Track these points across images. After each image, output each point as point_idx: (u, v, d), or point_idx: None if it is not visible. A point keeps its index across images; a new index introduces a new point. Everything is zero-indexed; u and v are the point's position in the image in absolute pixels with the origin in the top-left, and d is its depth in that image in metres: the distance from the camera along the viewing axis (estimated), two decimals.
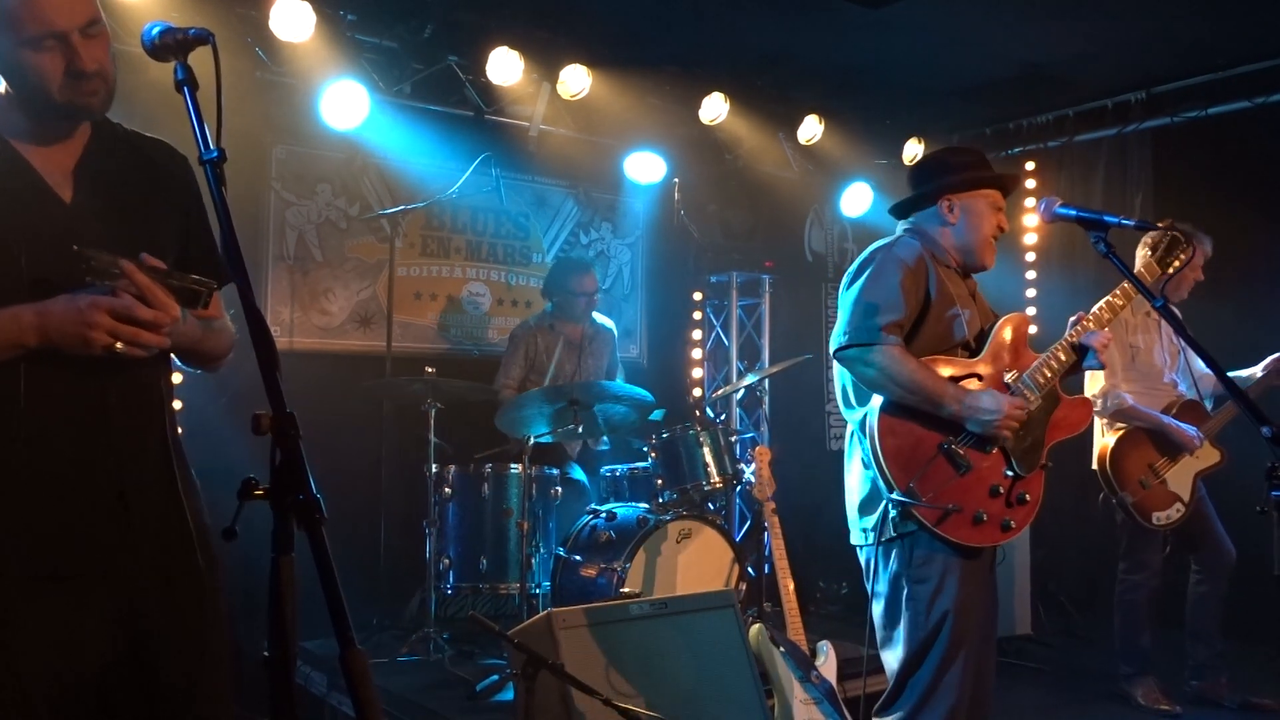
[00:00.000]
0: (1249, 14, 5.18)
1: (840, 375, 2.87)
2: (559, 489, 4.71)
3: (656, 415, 4.95)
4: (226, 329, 2.02)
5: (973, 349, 2.82)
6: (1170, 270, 2.99)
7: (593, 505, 4.69)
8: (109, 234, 1.81)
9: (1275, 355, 4.58)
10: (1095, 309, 2.89)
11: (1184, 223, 4.22)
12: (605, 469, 4.95)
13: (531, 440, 4.35)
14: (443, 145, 5.56)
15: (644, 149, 5.96)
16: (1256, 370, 4.58)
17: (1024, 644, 5.57)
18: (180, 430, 1.98)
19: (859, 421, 2.74)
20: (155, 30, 1.70)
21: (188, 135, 1.66)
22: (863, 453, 2.76)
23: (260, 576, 1.34)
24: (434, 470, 4.61)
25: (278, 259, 5.44)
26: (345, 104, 4.96)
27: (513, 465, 4.68)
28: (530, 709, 2.68)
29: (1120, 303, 2.90)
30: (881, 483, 2.63)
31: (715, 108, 5.88)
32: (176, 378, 2.27)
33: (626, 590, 3.99)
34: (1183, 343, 4.56)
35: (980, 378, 2.73)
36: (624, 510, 4.53)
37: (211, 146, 1.60)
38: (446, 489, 4.66)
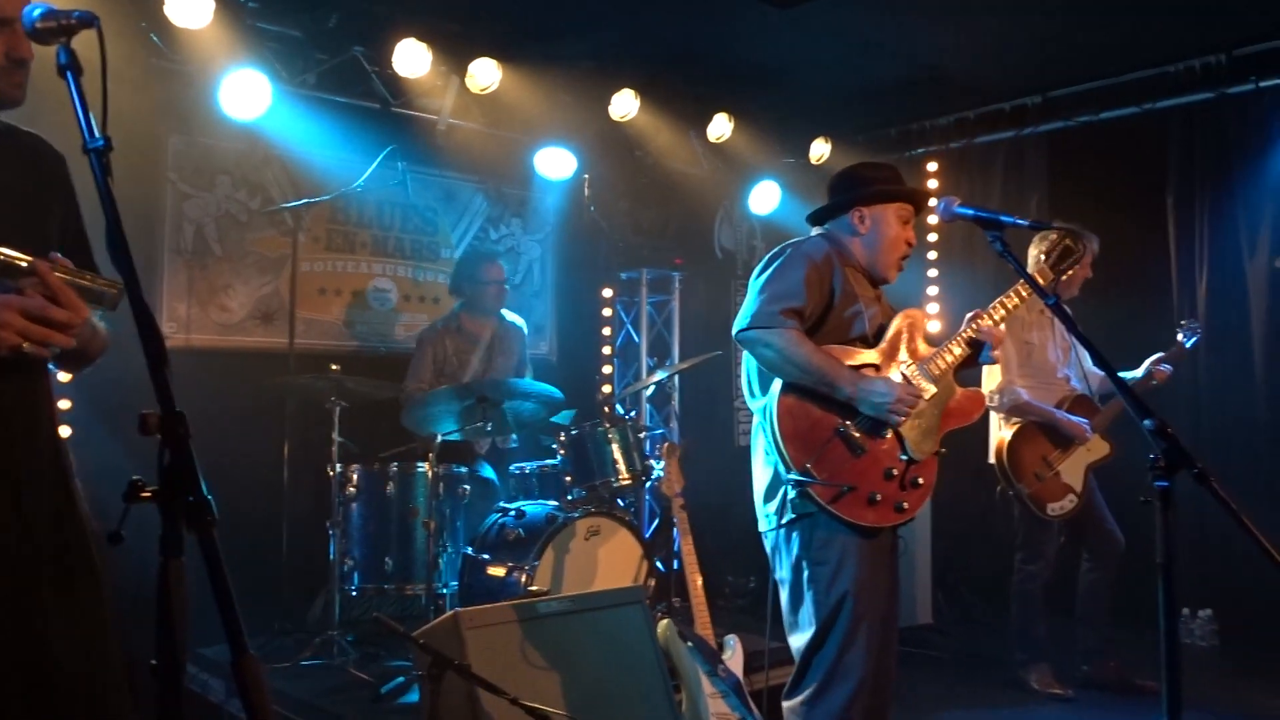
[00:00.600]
0: (1139, 22, 5.40)
1: (746, 365, 2.94)
2: (467, 487, 4.66)
3: (564, 417, 4.93)
4: (101, 330, 1.96)
5: (871, 344, 2.91)
6: (1063, 277, 3.12)
7: (501, 503, 4.65)
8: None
9: (1155, 356, 4.80)
10: (990, 307, 2.98)
11: (1074, 223, 4.39)
12: (514, 467, 4.92)
13: (439, 438, 4.30)
14: (348, 137, 5.45)
15: (554, 144, 5.93)
16: (1137, 372, 4.79)
17: (925, 633, 5.72)
18: (65, 430, 1.91)
19: (762, 409, 2.81)
20: (37, 12, 1.64)
21: (71, 123, 1.59)
22: (765, 439, 2.83)
23: (150, 582, 1.29)
24: (338, 470, 4.52)
25: (174, 253, 5.27)
26: (246, 94, 4.82)
27: (419, 464, 4.62)
28: (436, 710, 2.65)
29: (1013, 301, 3.00)
30: (781, 464, 2.72)
31: (625, 104, 5.88)
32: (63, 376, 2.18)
33: (535, 589, 3.97)
34: (1074, 339, 4.73)
35: (876, 367, 2.82)
36: (533, 508, 4.50)
37: (97, 134, 1.54)
38: (351, 488, 4.58)
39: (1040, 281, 3.02)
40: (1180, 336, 4.95)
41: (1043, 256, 3.56)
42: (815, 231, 3.07)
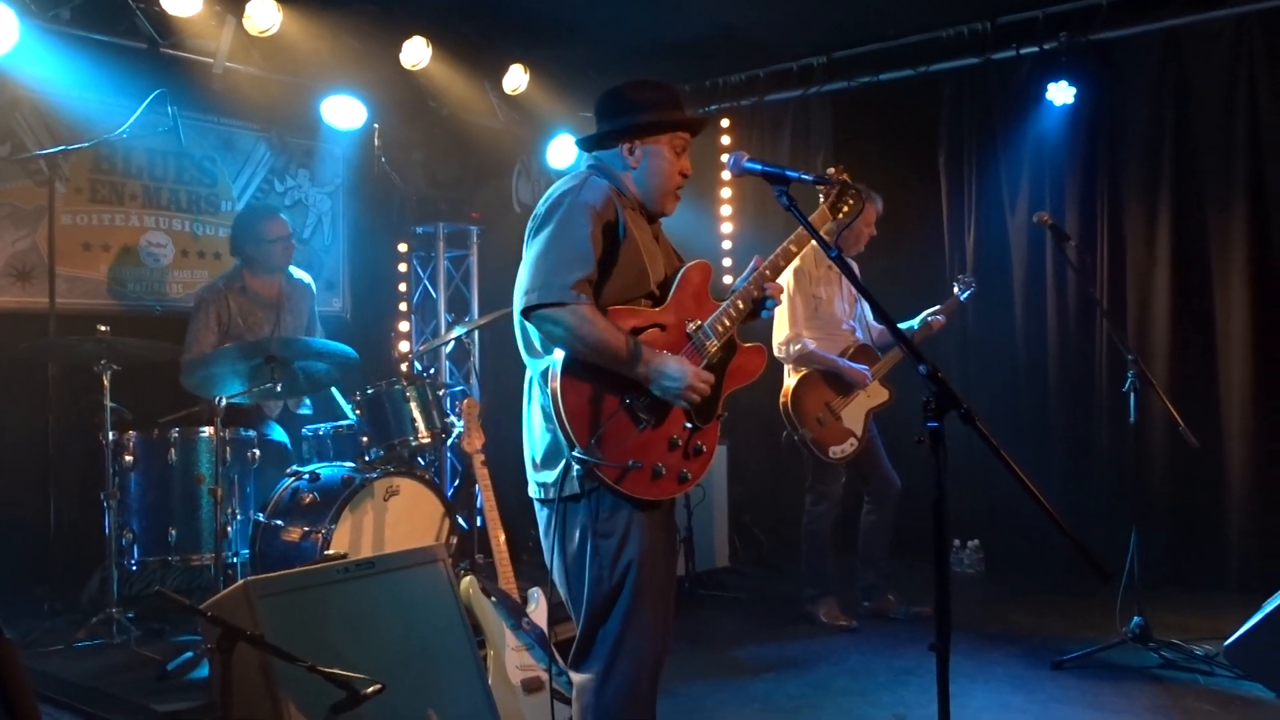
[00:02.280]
0: None
1: (520, 323, 2.72)
2: (256, 452, 4.47)
3: (346, 405, 4.76)
4: None
5: (657, 297, 2.78)
6: (841, 215, 3.01)
7: (294, 467, 4.50)
8: None
9: (930, 310, 5.11)
10: (771, 255, 2.91)
11: (857, 181, 4.59)
12: (307, 429, 4.76)
13: (223, 401, 4.08)
14: (111, 79, 5.02)
15: (342, 92, 5.68)
16: (914, 322, 5.10)
17: (722, 575, 5.95)
18: None
19: (541, 371, 2.65)
20: None
21: None
22: (543, 405, 2.67)
23: None
24: (111, 438, 4.23)
25: None
26: None
27: (203, 429, 4.38)
28: (227, 684, 2.54)
29: (794, 249, 2.91)
30: (563, 439, 2.57)
31: (417, 52, 5.70)
32: None
33: (333, 552, 3.84)
34: (857, 292, 4.98)
35: (663, 327, 2.70)
36: (328, 470, 4.39)
37: None
38: (127, 457, 4.30)
39: (825, 233, 3.07)
40: (956, 290, 5.28)
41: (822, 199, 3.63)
42: (587, 162, 2.87)
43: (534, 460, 2.75)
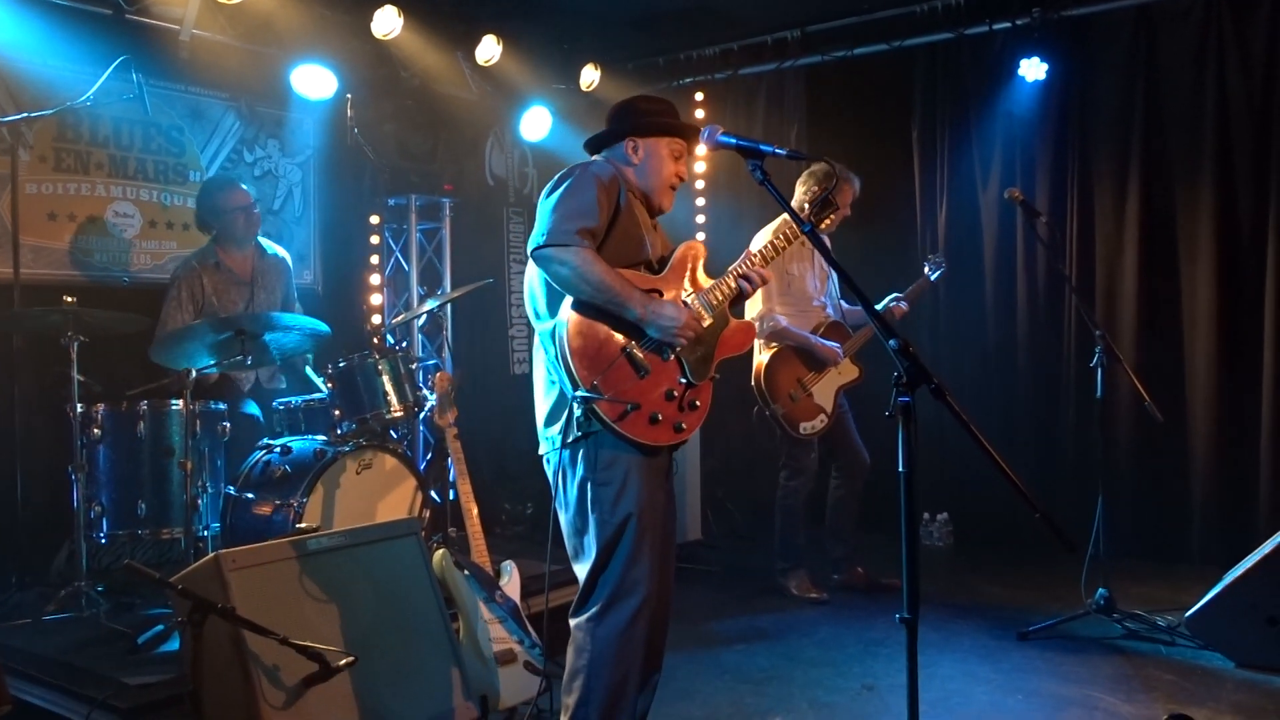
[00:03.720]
0: None
1: (530, 288, 2.95)
2: (226, 424, 4.43)
3: (318, 378, 4.72)
4: None
5: (655, 270, 3.00)
6: (823, 227, 3.30)
7: (266, 440, 4.48)
8: None
9: (894, 295, 5.14)
10: (761, 247, 3.11)
11: (830, 155, 4.60)
12: (278, 401, 4.72)
13: (193, 373, 4.05)
14: (75, 46, 4.92)
15: (312, 62, 5.60)
16: (879, 306, 5.12)
17: (696, 548, 5.99)
18: None
19: (549, 333, 2.83)
20: None
21: None
22: (548, 361, 2.86)
23: None
24: (80, 410, 4.18)
25: None
26: None
27: (173, 401, 4.34)
28: (199, 657, 2.53)
29: (783, 244, 3.14)
30: (567, 382, 2.76)
31: (388, 21, 5.62)
32: None
33: (305, 525, 3.84)
34: (830, 269, 5.01)
35: (661, 293, 2.91)
36: (300, 443, 4.36)
37: None
38: (96, 430, 4.25)
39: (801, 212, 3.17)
40: (926, 269, 5.31)
41: (803, 192, 3.70)
42: (595, 158, 3.10)
43: (543, 418, 2.95)
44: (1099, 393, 4.53)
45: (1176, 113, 5.70)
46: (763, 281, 3.07)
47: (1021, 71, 5.90)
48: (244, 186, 5.00)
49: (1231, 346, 5.57)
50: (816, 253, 4.06)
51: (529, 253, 2.83)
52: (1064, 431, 6.04)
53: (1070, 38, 5.93)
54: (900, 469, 2.09)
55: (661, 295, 2.90)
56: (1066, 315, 6.06)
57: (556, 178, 2.91)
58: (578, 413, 2.77)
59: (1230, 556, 4.43)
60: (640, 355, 2.82)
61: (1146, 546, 5.68)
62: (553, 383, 2.89)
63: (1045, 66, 5.85)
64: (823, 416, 5.02)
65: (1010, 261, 6.25)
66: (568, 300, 2.80)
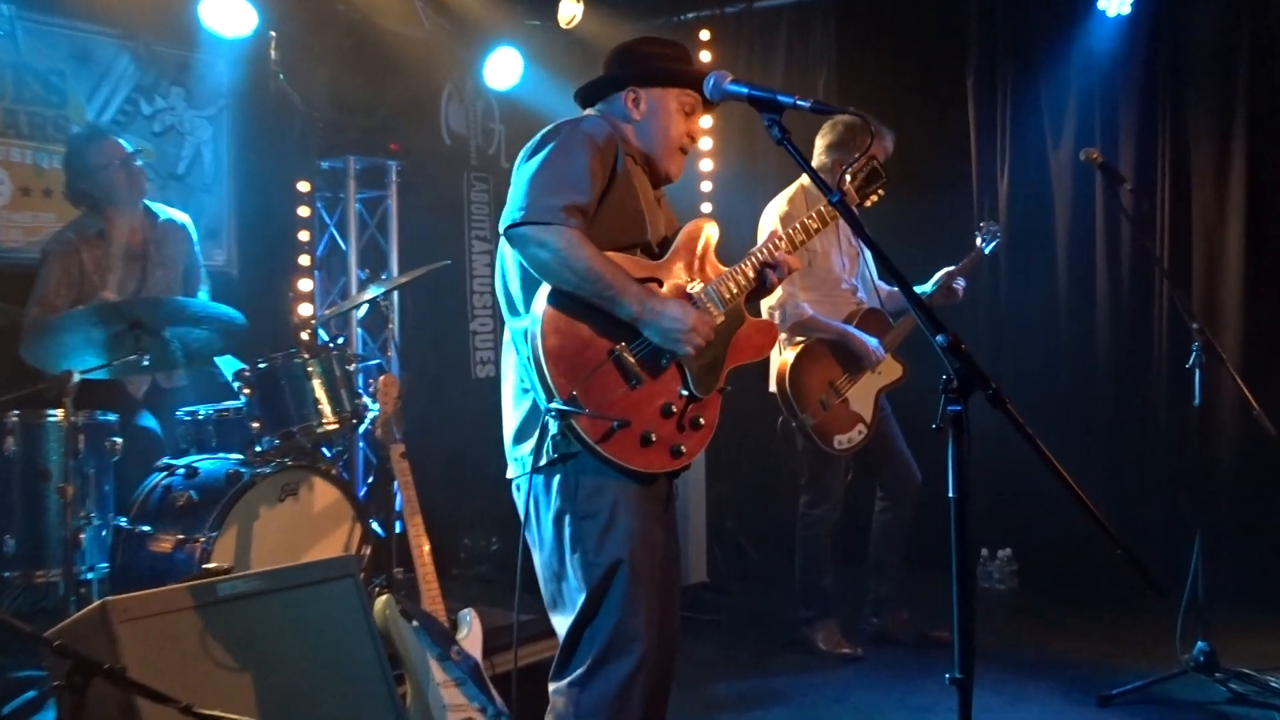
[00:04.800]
0: None
1: (503, 275, 2.94)
2: (117, 441, 4.42)
3: (228, 366, 4.71)
4: None
5: (655, 254, 2.98)
6: (868, 204, 3.30)
7: (166, 459, 4.47)
8: None
9: (946, 270, 5.14)
10: (788, 230, 3.09)
11: (866, 109, 4.59)
12: (182, 412, 4.70)
13: (76, 377, 4.03)
14: None
15: None
16: (926, 287, 5.13)
17: (701, 593, 5.99)
18: None
19: (521, 332, 2.81)
20: None
21: None
22: (520, 365, 2.84)
23: None
24: None
25: None
26: None
27: (49, 411, 4.31)
28: None
29: (816, 225, 3.12)
30: (541, 391, 2.72)
31: None
32: None
33: (214, 565, 3.82)
34: (861, 244, 5.00)
35: (661, 283, 2.88)
36: (209, 464, 4.36)
37: None
38: None
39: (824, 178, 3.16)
40: (979, 241, 5.32)
41: (825, 151, 3.65)
42: (588, 113, 3.08)
43: (511, 434, 2.93)
44: (1197, 400, 4.53)
45: None
46: (789, 271, 3.05)
47: (1100, 4, 5.91)
48: (116, 138, 4.95)
49: None
50: (843, 223, 4.04)
51: (502, 231, 2.80)
52: (1153, 448, 6.05)
53: None
54: (951, 494, 2.08)
55: (661, 285, 2.88)
56: (1157, 305, 6.07)
57: (539, 137, 2.88)
58: (553, 430, 2.74)
59: None
60: (632, 360, 2.77)
61: (1256, 592, 5.67)
62: (524, 391, 2.86)
63: None
64: (861, 426, 5.01)
65: (1088, 238, 6.26)
66: (544, 290, 2.77)
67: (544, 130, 2.90)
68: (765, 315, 4.88)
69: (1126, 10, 5.90)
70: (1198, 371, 4.50)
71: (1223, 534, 5.51)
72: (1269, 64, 5.77)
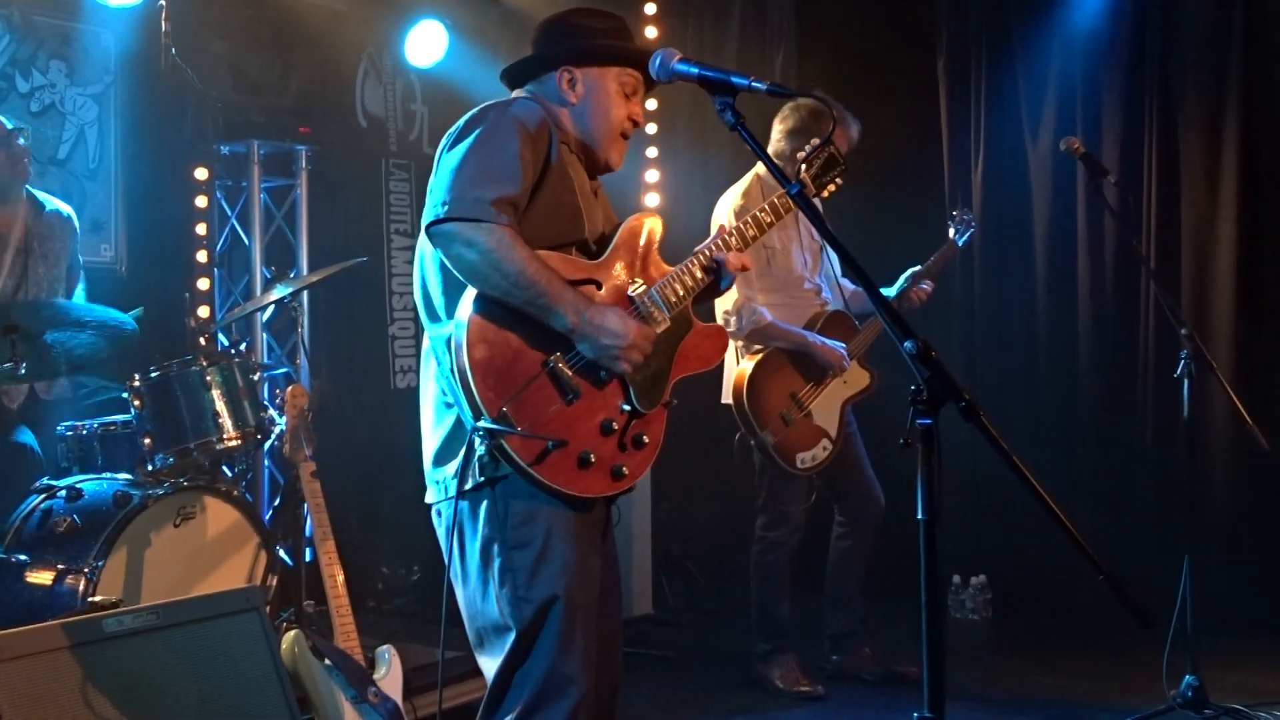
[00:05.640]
0: None
1: (422, 274, 2.92)
2: None
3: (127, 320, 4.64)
4: None
5: (593, 252, 2.97)
6: (825, 194, 3.35)
7: (45, 480, 4.42)
8: None
9: (913, 270, 5.19)
10: (738, 224, 3.11)
11: (829, 92, 4.64)
12: (63, 427, 4.65)
13: None
14: None
15: None
16: (891, 290, 5.17)
17: (645, 627, 6.00)
18: None
19: (444, 339, 2.78)
20: None
21: None
22: (442, 377, 2.82)
23: None
24: None
25: None
26: None
27: None
28: None
29: (769, 218, 3.14)
30: (467, 408, 2.70)
31: None
32: None
33: (101, 599, 3.78)
34: (823, 240, 5.04)
35: (599, 286, 2.88)
36: (94, 485, 4.32)
37: None
38: None
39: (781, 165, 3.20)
40: (952, 232, 5.37)
41: (783, 137, 3.69)
42: (517, 94, 3.07)
43: (431, 455, 2.91)
44: (1185, 412, 4.60)
45: None
46: (742, 269, 3.06)
47: None
48: None
49: None
50: (803, 217, 4.07)
51: (424, 228, 2.78)
52: (1139, 464, 6.15)
53: None
54: (920, 516, 2.10)
55: (600, 288, 2.87)
56: (1143, 309, 6.16)
57: (464, 122, 2.87)
58: (480, 450, 2.72)
59: None
60: (568, 373, 2.76)
61: (1248, 619, 5.77)
62: (447, 406, 2.85)
63: None
64: (826, 442, 5.04)
65: (1068, 236, 6.35)
66: (470, 294, 2.75)
67: (469, 114, 2.88)
68: (720, 320, 4.90)
69: None
70: (1186, 381, 4.56)
71: (1213, 557, 5.61)
72: (1263, 50, 5.88)
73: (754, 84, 2.55)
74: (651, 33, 7.19)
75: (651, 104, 7.26)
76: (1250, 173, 5.93)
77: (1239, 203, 5.92)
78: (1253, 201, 5.92)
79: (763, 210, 3.13)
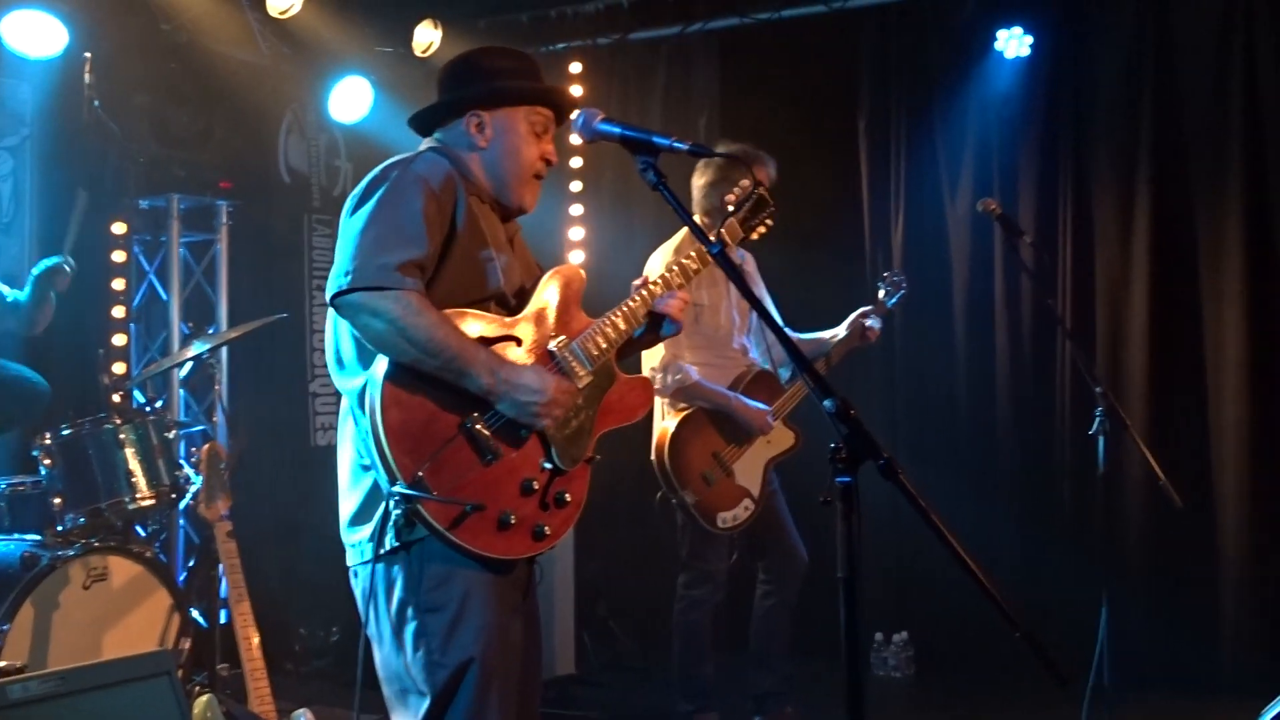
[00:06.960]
0: None
1: (334, 328, 2.89)
2: None
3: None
4: None
5: (511, 306, 2.96)
6: (754, 236, 3.35)
7: None
8: None
9: (858, 311, 5.21)
10: (663, 272, 3.11)
11: (747, 142, 4.68)
12: None
13: None
14: None
15: (31, 6, 5.48)
16: (840, 330, 5.18)
17: (568, 687, 5.95)
18: None
19: (356, 392, 2.76)
20: None
21: None
22: (359, 438, 2.79)
23: None
24: None
25: None
26: None
27: None
28: None
29: (695, 266, 3.15)
30: (383, 471, 2.67)
31: None
32: None
33: (4, 664, 3.70)
34: (747, 301, 5.06)
35: (519, 342, 2.86)
36: (1, 545, 4.28)
37: None
38: None
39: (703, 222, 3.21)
40: (881, 294, 5.39)
41: (705, 184, 3.69)
42: (425, 144, 3.05)
43: (348, 516, 2.87)
44: (1101, 468, 4.66)
45: (1197, 103, 5.97)
46: (677, 313, 3.06)
47: (999, 46, 6.14)
48: None
49: (1270, 409, 5.80)
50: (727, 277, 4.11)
51: (329, 300, 2.74)
52: (1056, 521, 6.21)
53: (1062, 3, 6.18)
54: (840, 573, 2.10)
55: (519, 344, 2.86)
56: (1059, 367, 6.25)
57: (364, 184, 2.83)
58: (396, 514, 2.68)
59: (1273, 684, 4.58)
60: (486, 433, 2.74)
61: (1165, 673, 5.80)
62: (364, 469, 2.82)
63: (1030, 40, 6.09)
64: (748, 502, 5.03)
65: (987, 295, 6.44)
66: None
67: (371, 174, 2.85)
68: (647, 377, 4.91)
69: (1026, 53, 6.10)
70: (1102, 438, 4.62)
71: (1130, 612, 5.65)
72: (1173, 112, 6.01)
73: (675, 144, 2.57)
74: (577, 91, 7.22)
75: (577, 161, 7.30)
76: (1162, 232, 6.03)
77: (1151, 262, 6.02)
78: (1165, 261, 6.02)
79: (689, 258, 3.13)
